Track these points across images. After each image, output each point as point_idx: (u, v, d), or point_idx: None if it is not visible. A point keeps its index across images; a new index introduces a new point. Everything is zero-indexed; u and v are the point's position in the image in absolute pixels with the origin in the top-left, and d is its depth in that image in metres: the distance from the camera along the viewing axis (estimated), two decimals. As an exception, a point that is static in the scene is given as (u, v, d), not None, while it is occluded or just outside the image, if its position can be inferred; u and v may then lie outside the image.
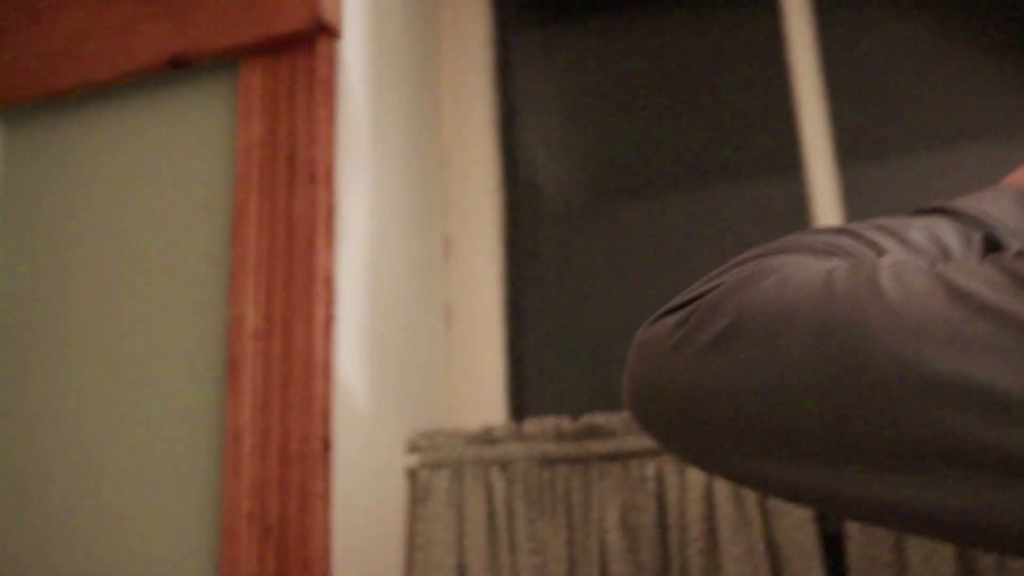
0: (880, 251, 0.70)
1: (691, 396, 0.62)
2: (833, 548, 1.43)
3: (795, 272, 0.62)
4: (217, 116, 1.55)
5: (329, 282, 1.40)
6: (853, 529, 1.29)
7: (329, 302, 1.39)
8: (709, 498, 1.35)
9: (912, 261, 0.60)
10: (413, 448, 1.52)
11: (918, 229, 0.72)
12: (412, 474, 1.51)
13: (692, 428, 0.62)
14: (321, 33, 1.49)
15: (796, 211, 1.68)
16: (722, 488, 1.34)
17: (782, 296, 0.60)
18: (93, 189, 1.60)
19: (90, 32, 1.63)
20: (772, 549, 1.32)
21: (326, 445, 1.33)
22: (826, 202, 1.65)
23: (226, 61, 1.56)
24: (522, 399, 1.72)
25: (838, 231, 0.71)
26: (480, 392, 1.69)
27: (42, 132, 1.67)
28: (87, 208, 1.59)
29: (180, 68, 1.56)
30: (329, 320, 1.38)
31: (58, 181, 1.63)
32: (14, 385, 1.56)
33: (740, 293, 0.62)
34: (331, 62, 1.50)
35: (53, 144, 1.66)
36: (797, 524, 1.31)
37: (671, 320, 0.65)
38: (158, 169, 1.56)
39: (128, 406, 1.47)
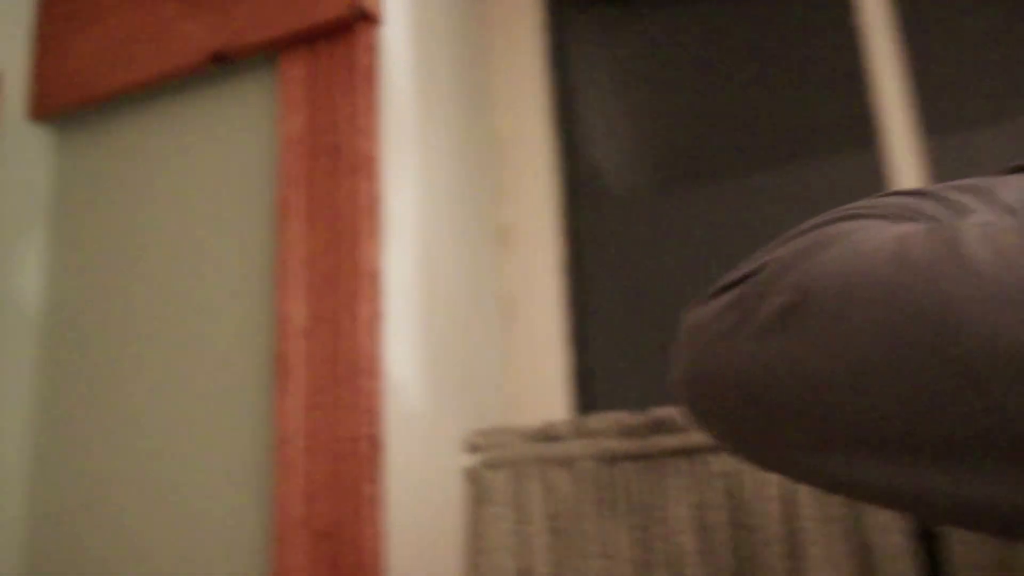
0: (965, 213, 0.61)
1: (749, 385, 0.54)
2: (930, 549, 1.33)
3: (863, 239, 0.54)
4: (259, 111, 1.50)
5: (374, 276, 1.33)
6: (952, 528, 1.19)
7: (375, 297, 1.32)
8: (788, 495, 1.26)
9: (1004, 221, 0.51)
10: (471, 447, 1.45)
11: (1012, 188, 0.63)
12: (470, 475, 1.44)
13: (752, 422, 0.55)
14: (360, 20, 1.43)
15: (874, 187, 1.58)
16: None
17: (849, 267, 0.52)
18: (139, 192, 1.56)
19: (134, 35, 1.59)
20: (861, 550, 1.23)
21: (376, 445, 1.26)
22: (906, 177, 1.54)
23: (267, 55, 1.51)
24: (586, 394, 1.64)
25: (915, 193, 0.62)
26: (541, 388, 1.62)
27: (91, 138, 1.64)
28: (134, 212, 1.56)
29: (222, 64, 1.52)
30: (375, 316, 1.32)
31: (106, 186, 1.60)
32: (66, 392, 1.52)
33: (801, 265, 0.54)
34: (371, 50, 1.44)
35: (101, 149, 1.62)
36: (889, 522, 1.21)
37: (723, 300, 0.58)
38: (202, 168, 1.52)
39: (177, 410, 1.42)
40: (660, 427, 1.34)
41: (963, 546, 1.18)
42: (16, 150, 1.62)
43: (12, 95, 1.64)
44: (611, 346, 1.68)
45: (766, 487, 1.26)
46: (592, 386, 1.65)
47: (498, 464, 1.41)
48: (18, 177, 1.61)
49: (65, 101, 1.63)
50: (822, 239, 0.56)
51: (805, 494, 1.24)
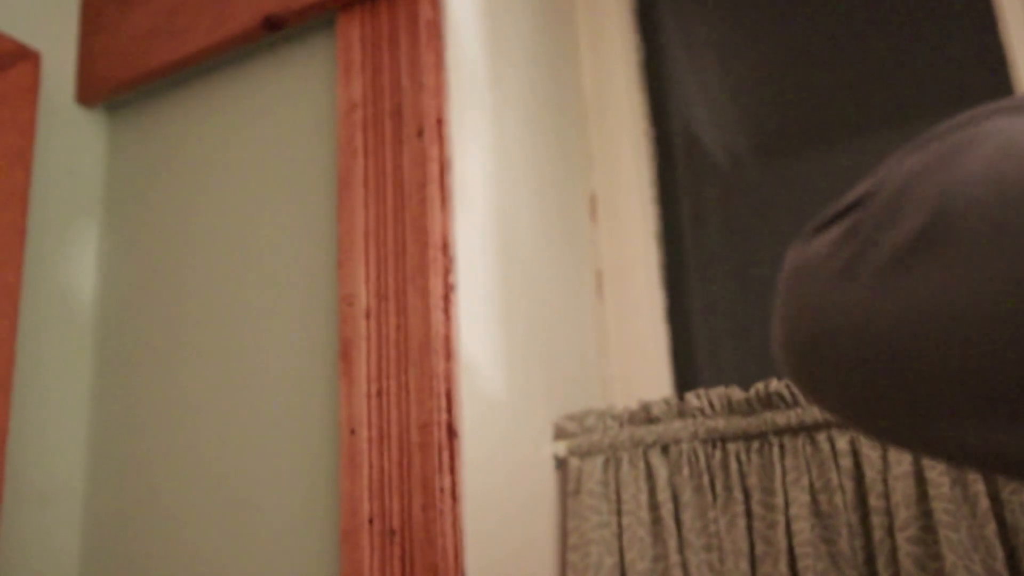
0: None
1: (874, 338, 0.41)
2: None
3: (1016, 137, 0.40)
4: (318, 78, 1.39)
5: (446, 248, 1.21)
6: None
7: (447, 271, 1.20)
8: (919, 473, 1.10)
9: None
10: (560, 433, 1.31)
11: None
12: (560, 463, 1.31)
13: (876, 385, 0.42)
14: (423, -31, 1.31)
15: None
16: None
17: (1002, 171, 0.39)
18: (193, 173, 1.46)
19: (184, 5, 1.50)
20: (1005, 533, 1.06)
21: (452, 433, 1.14)
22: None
23: (323, 17, 1.39)
24: (687, 371, 1.49)
25: None
26: (637, 366, 1.47)
27: (142, 119, 1.55)
28: (188, 194, 1.46)
29: (276, 30, 1.41)
30: (448, 291, 1.19)
31: (160, 166, 1.50)
32: (121, 386, 1.43)
33: (935, 177, 0.41)
34: (436, 2, 1.31)
35: (152, 131, 1.53)
36: (1033, 499, 1.05)
37: (832, 234, 0.44)
38: (259, 143, 1.42)
39: (236, 402, 1.32)
40: (771, 402, 1.19)
41: None
42: (64, 136, 1.53)
43: (58, 78, 1.55)
44: (712, 320, 1.53)
45: (893, 466, 1.10)
46: (692, 362, 1.50)
47: (591, 451, 1.28)
48: (67, 164, 1.52)
49: (113, 82, 1.54)
50: (959, 143, 0.42)
51: (938, 473, 1.08)
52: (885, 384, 0.41)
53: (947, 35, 1.51)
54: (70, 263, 1.49)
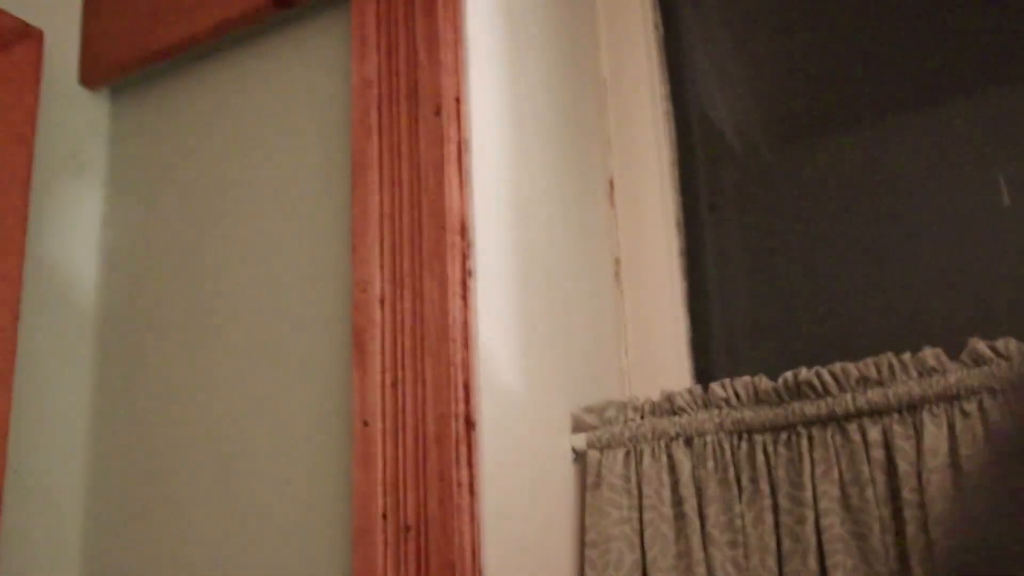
0: None
1: None
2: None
3: None
4: (332, 56, 1.35)
5: (465, 231, 1.17)
6: None
7: (465, 255, 1.16)
8: (955, 465, 1.05)
9: None
10: (579, 425, 1.27)
11: None
12: (579, 456, 1.26)
13: None
14: (440, -57, 1.26)
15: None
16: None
17: None
18: (201, 158, 1.42)
19: (192, -19, 1.45)
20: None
21: (470, 425, 1.10)
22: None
23: (337, -8, 1.35)
24: (707, 361, 1.44)
25: None
26: (658, 355, 1.43)
27: (148, 102, 1.51)
28: (195, 179, 1.42)
29: (287, 6, 1.36)
30: (466, 276, 1.15)
31: (166, 149, 1.46)
32: (126, 378, 1.39)
33: None
34: (454, -24, 1.27)
35: (159, 114, 1.49)
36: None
37: None
38: (272, 123, 1.37)
39: (246, 392, 1.28)
40: (800, 392, 1.15)
41: None
42: (67, 118, 1.49)
43: (62, 59, 1.51)
44: (733, 308, 1.49)
45: (928, 458, 1.06)
46: (713, 352, 1.46)
47: (611, 443, 1.24)
48: (70, 147, 1.48)
49: (118, 63, 1.49)
50: None
51: (977, 463, 1.04)
52: None
53: (971, 16, 1.46)
54: (73, 249, 1.45)
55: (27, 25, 1.43)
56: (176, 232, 1.41)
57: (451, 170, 1.18)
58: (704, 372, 1.43)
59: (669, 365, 1.41)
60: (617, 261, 1.49)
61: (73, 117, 1.50)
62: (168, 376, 1.36)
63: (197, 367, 1.33)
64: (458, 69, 1.22)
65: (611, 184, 1.53)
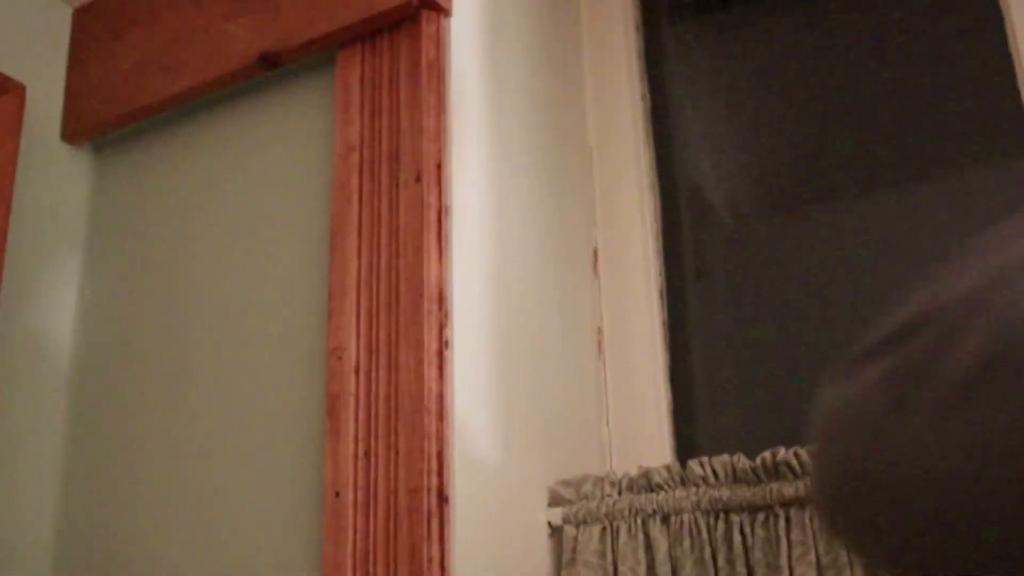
0: None
1: (933, 478, 0.37)
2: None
3: None
4: (315, 118, 1.34)
5: (442, 300, 1.15)
6: None
7: (442, 325, 1.14)
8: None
9: None
10: (556, 499, 1.25)
11: None
12: (555, 532, 1.24)
13: (942, 537, 0.37)
14: (426, 9, 1.26)
15: None
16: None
17: None
18: (181, 216, 1.41)
19: (178, 39, 1.44)
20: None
21: (442, 499, 1.07)
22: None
23: (321, 55, 1.34)
24: (688, 436, 1.42)
25: None
26: (639, 429, 1.41)
27: (130, 158, 1.50)
28: (175, 237, 1.40)
29: (272, 66, 1.36)
30: (443, 346, 1.13)
31: (147, 207, 1.45)
32: (97, 438, 1.36)
33: (993, 305, 0.37)
34: (438, 42, 1.27)
35: (141, 170, 1.48)
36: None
37: (878, 367, 0.39)
38: (251, 184, 1.36)
39: (217, 459, 1.25)
40: (778, 472, 1.13)
41: None
42: (47, 173, 1.47)
43: (44, 113, 1.49)
44: (717, 383, 1.47)
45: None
46: (694, 426, 1.44)
47: (587, 519, 1.21)
48: (49, 203, 1.46)
49: (101, 119, 1.48)
50: (1012, 265, 0.38)
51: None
52: (947, 534, 0.36)
53: (961, 95, 1.46)
54: (49, 305, 1.43)
55: (8, 79, 1.42)
56: (153, 291, 1.39)
57: (430, 238, 1.17)
58: (685, 447, 1.41)
59: (650, 438, 1.39)
60: (600, 331, 1.47)
61: (54, 172, 1.49)
62: (141, 438, 1.33)
63: (170, 430, 1.30)
64: (440, 135, 1.22)
65: (595, 253, 1.52)
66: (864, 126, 1.51)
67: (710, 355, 1.49)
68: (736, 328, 1.49)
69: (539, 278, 1.35)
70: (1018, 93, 1.38)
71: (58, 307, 1.44)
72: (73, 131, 1.51)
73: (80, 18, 1.57)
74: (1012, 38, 1.40)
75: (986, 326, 0.36)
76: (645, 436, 1.40)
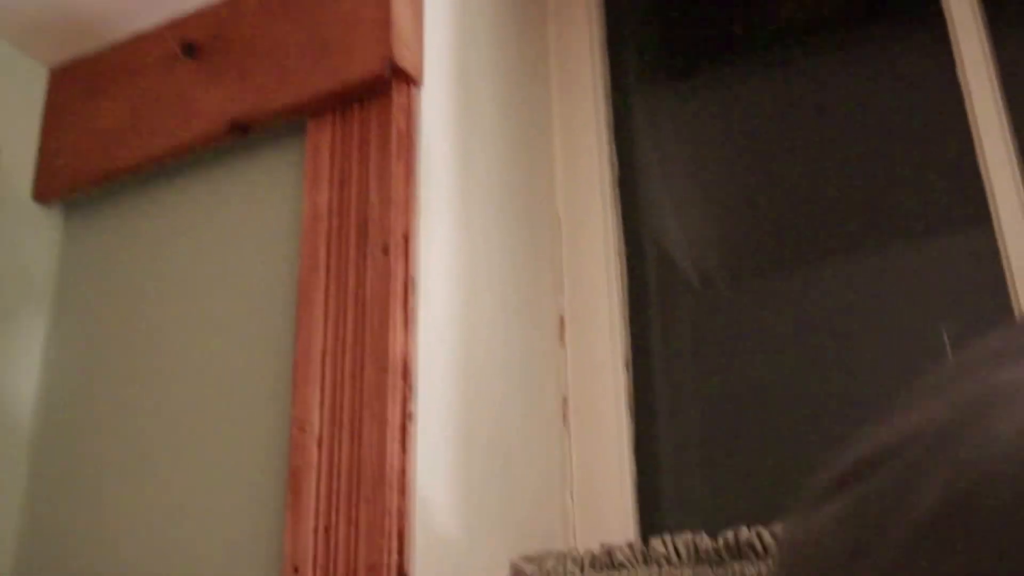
0: None
1: None
2: None
3: None
4: (285, 186, 1.33)
5: (406, 373, 1.15)
6: None
7: (406, 398, 1.14)
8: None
9: None
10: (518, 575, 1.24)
11: None
12: (516, 608, 1.23)
13: None
14: (397, 79, 1.27)
15: (987, 271, 1.37)
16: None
17: None
18: (149, 276, 1.40)
19: (150, 103, 1.44)
20: None
21: (403, 575, 1.06)
22: (1022, 254, 1.33)
23: (292, 122, 1.34)
24: (655, 513, 1.42)
25: None
26: (603, 503, 1.40)
27: (100, 220, 1.49)
28: (141, 301, 1.39)
29: (243, 133, 1.36)
30: (406, 420, 1.13)
31: (115, 269, 1.44)
32: (56, 508, 1.34)
33: (957, 444, 0.35)
34: (409, 113, 1.27)
35: (110, 233, 1.47)
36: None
37: (839, 505, 0.38)
38: (219, 249, 1.35)
39: (176, 534, 1.23)
40: (740, 552, 1.12)
41: None
42: (18, 234, 1.46)
43: (15, 173, 1.49)
44: (683, 458, 1.47)
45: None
46: (660, 500, 1.43)
47: (549, 594, 1.20)
48: (18, 264, 1.45)
49: (73, 180, 1.47)
50: (982, 397, 0.36)
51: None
52: None
53: (924, 167, 1.47)
54: (12, 365, 1.41)
55: (-22, 139, 1.42)
56: (117, 357, 1.38)
57: (396, 309, 1.17)
58: (650, 522, 1.40)
59: (614, 511, 1.39)
60: (565, 401, 1.47)
61: (23, 231, 1.48)
62: (100, 504, 1.32)
63: (128, 499, 1.29)
64: (408, 206, 1.22)
65: (562, 321, 1.51)
66: (832, 193, 1.52)
67: (677, 427, 1.48)
68: (703, 399, 1.49)
69: (505, 349, 1.35)
70: (977, 168, 1.39)
71: (22, 366, 1.43)
72: (44, 190, 1.51)
73: (56, 78, 1.57)
74: (971, 115, 1.41)
75: (953, 463, 0.35)
76: (609, 510, 1.39)
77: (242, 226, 1.35)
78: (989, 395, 0.36)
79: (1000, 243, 1.36)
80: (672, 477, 1.46)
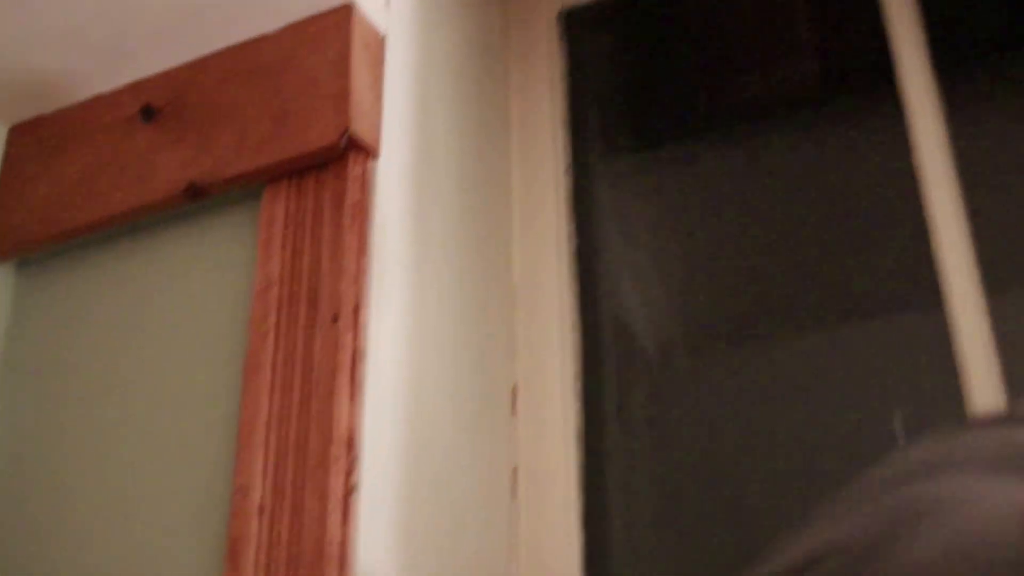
0: None
1: None
2: None
3: (970, 513, 0.36)
4: (236, 250, 1.33)
5: (351, 445, 1.14)
6: None
7: (350, 470, 1.13)
8: None
9: None
10: (459, 651, 1.23)
11: None
12: None
13: None
14: (354, 150, 1.27)
15: (939, 351, 1.38)
16: None
17: (962, 556, 0.34)
18: (98, 338, 1.39)
19: (106, 165, 1.44)
20: None
21: (338, 654, 1.05)
22: (974, 339, 1.34)
23: (249, 188, 1.34)
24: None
25: (1014, 420, 0.42)
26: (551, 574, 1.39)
27: (52, 279, 1.48)
28: (90, 359, 1.38)
29: (198, 198, 1.36)
30: (349, 492, 1.12)
31: (65, 331, 1.43)
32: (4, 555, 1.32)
33: (880, 556, 0.36)
34: (364, 184, 1.27)
35: (64, 290, 1.46)
36: None
37: None
38: (169, 312, 1.35)
39: (114, 598, 1.22)
40: (683, 635, 1.12)
41: None
42: (-34, 289, 1.46)
43: (-32, 229, 1.48)
44: (634, 532, 1.46)
45: None
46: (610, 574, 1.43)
47: (490, 671, 1.19)
48: (-33, 319, 1.45)
49: (27, 239, 1.47)
50: (909, 510, 0.37)
51: None
52: None
53: (879, 244, 1.49)
54: (-43, 423, 1.40)
55: (-67, 196, 1.41)
56: (64, 416, 1.37)
57: (343, 379, 1.16)
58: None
59: (560, 586, 1.38)
60: (515, 472, 1.46)
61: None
62: (40, 560, 1.30)
63: (66, 564, 1.27)
64: (360, 278, 1.22)
65: (515, 391, 1.51)
66: (793, 267, 1.53)
67: (628, 500, 1.48)
68: (656, 473, 1.49)
69: (455, 420, 1.35)
70: (931, 251, 1.41)
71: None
72: (-3, 248, 1.50)
73: (14, 136, 1.57)
74: (925, 196, 1.43)
75: (884, 573, 0.36)
76: (555, 585, 1.38)
77: (194, 290, 1.35)
78: (909, 509, 0.37)
79: (952, 326, 1.37)
80: (623, 552, 1.45)
